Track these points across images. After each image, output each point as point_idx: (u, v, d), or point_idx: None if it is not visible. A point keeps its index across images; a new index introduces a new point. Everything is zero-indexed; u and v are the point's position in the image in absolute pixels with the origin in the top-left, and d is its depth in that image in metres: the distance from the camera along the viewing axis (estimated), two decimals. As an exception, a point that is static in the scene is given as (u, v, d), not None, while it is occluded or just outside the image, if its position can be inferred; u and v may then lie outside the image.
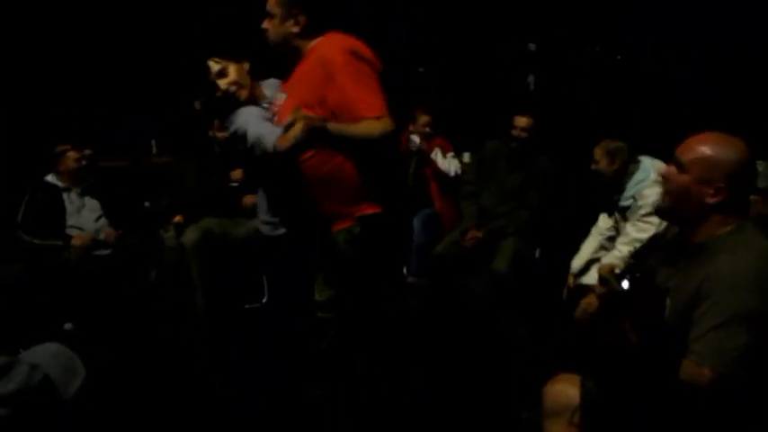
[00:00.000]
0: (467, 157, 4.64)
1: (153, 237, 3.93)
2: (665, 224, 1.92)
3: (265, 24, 2.22)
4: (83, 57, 4.55)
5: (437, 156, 4.13)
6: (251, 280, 3.79)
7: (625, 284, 1.73)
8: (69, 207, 3.70)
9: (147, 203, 4.32)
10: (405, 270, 3.90)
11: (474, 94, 5.24)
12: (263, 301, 3.79)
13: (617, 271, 1.85)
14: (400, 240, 2.34)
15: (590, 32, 5.05)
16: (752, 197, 1.74)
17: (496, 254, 3.75)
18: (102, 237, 3.73)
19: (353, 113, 2.01)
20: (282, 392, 2.66)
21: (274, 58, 2.30)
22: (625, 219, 3.12)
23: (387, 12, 4.85)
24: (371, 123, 1.99)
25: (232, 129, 2.27)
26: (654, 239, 2.07)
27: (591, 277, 3.12)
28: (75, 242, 3.57)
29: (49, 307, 3.33)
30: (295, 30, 2.18)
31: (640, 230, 2.97)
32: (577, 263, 3.29)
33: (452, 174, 4.15)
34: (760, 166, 3.46)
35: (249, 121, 2.21)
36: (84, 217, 3.75)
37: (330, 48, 2.09)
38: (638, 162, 3.10)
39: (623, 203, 3.11)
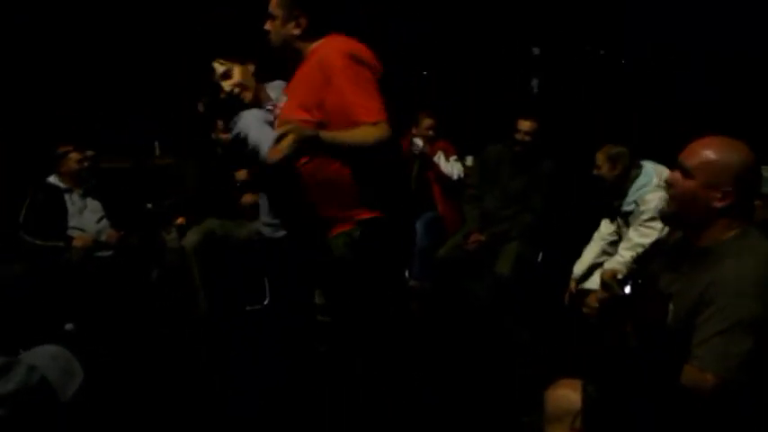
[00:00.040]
0: (470, 160, 4.62)
1: (154, 238, 3.93)
2: (667, 229, 1.91)
3: (267, 26, 2.22)
4: (84, 57, 4.56)
5: (440, 159, 4.12)
6: (252, 282, 3.79)
7: (627, 289, 1.73)
8: (71, 208, 3.71)
9: (149, 205, 4.33)
10: (407, 273, 3.89)
11: (477, 97, 5.23)
12: (265, 302, 3.79)
13: (619, 276, 1.84)
14: (402, 244, 2.33)
15: (592, 35, 5.04)
16: (755, 202, 1.74)
17: (499, 257, 3.75)
18: (103, 238, 3.73)
19: (351, 118, 2.00)
20: (282, 393, 2.66)
21: (278, 59, 2.30)
22: (627, 224, 3.11)
23: (388, 13, 4.84)
24: (367, 130, 1.98)
25: (235, 131, 2.27)
26: (656, 244, 2.05)
27: (593, 282, 3.11)
28: (76, 243, 3.58)
29: (50, 308, 3.33)
30: (296, 32, 2.17)
31: (643, 235, 2.95)
32: (579, 268, 3.27)
33: (455, 177, 4.14)
34: (764, 171, 3.44)
35: (251, 125, 2.21)
36: (86, 218, 3.75)
37: (330, 51, 2.08)
38: (639, 167, 3.08)
39: (625, 209, 3.09)
